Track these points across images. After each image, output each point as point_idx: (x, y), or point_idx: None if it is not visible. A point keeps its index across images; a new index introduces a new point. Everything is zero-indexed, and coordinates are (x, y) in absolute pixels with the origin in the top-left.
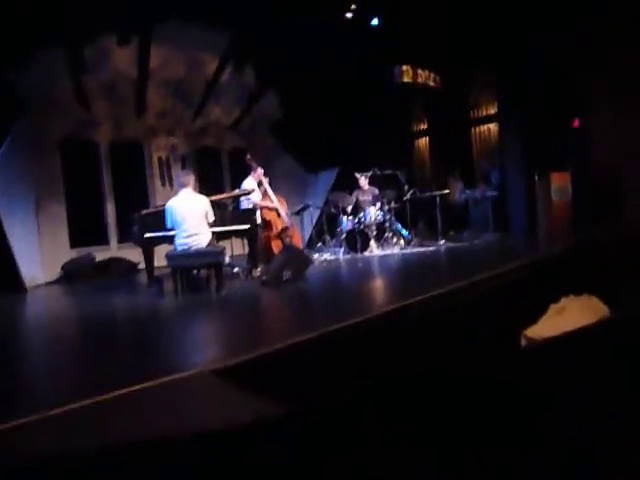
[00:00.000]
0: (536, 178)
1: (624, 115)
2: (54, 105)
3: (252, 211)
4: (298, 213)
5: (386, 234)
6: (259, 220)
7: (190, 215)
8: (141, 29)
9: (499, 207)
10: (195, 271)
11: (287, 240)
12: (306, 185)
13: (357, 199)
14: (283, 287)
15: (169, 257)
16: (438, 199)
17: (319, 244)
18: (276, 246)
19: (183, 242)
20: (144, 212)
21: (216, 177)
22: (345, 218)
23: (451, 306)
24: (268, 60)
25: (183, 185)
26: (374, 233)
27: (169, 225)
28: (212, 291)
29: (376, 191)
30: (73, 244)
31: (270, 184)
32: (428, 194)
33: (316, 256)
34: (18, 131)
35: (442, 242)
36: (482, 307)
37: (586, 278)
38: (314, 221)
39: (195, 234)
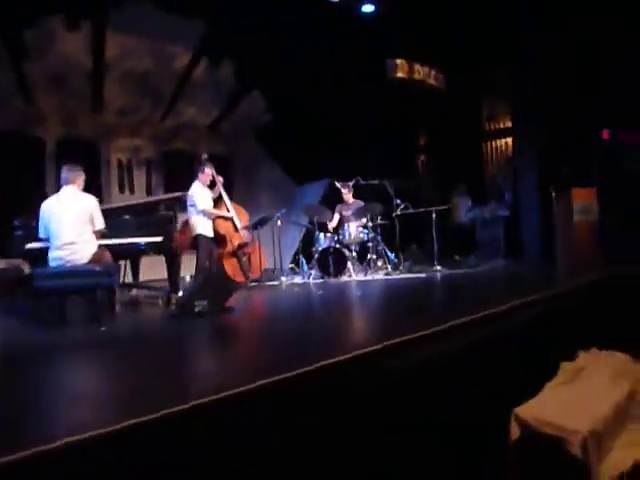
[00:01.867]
0: (554, 195)
1: None
2: None
3: (167, 218)
4: (255, 227)
5: (369, 256)
6: (209, 233)
7: (67, 219)
8: (94, 10)
9: (512, 228)
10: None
11: (244, 259)
12: (292, 197)
13: (341, 214)
14: (190, 322)
15: (35, 276)
16: (434, 216)
17: (291, 265)
18: (231, 267)
19: (56, 255)
20: None
21: (187, 184)
22: (322, 236)
23: (426, 358)
24: (248, 55)
25: (67, 182)
26: (354, 254)
27: (41, 233)
28: (96, 324)
29: (361, 204)
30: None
31: (226, 189)
32: (422, 210)
33: (283, 279)
34: None
35: (438, 268)
36: (471, 361)
37: (615, 325)
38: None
39: (71, 244)
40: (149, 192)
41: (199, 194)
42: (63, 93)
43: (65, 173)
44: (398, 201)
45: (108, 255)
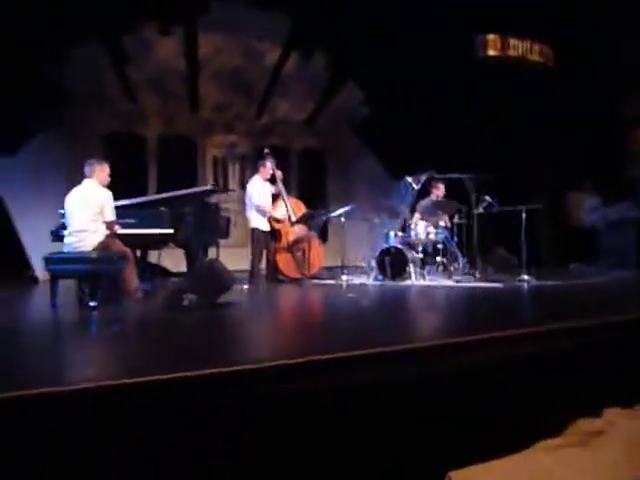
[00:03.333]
0: None
1: None
2: (99, 98)
3: (179, 213)
4: (301, 222)
5: (438, 259)
6: (263, 227)
7: (79, 208)
8: (184, 17)
9: None
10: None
11: (299, 254)
12: (390, 192)
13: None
14: (176, 314)
15: (46, 260)
16: (524, 216)
17: (360, 264)
18: (284, 262)
19: (67, 241)
20: None
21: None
22: (392, 234)
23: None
24: (340, 44)
25: (86, 175)
26: (419, 256)
27: (66, 221)
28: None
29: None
30: None
31: (319, 183)
32: (510, 208)
33: (344, 278)
34: (60, 122)
35: (525, 278)
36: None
37: None
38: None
39: (80, 232)
40: (243, 187)
41: (257, 188)
42: (162, 94)
43: (85, 167)
44: (487, 197)
45: (117, 244)
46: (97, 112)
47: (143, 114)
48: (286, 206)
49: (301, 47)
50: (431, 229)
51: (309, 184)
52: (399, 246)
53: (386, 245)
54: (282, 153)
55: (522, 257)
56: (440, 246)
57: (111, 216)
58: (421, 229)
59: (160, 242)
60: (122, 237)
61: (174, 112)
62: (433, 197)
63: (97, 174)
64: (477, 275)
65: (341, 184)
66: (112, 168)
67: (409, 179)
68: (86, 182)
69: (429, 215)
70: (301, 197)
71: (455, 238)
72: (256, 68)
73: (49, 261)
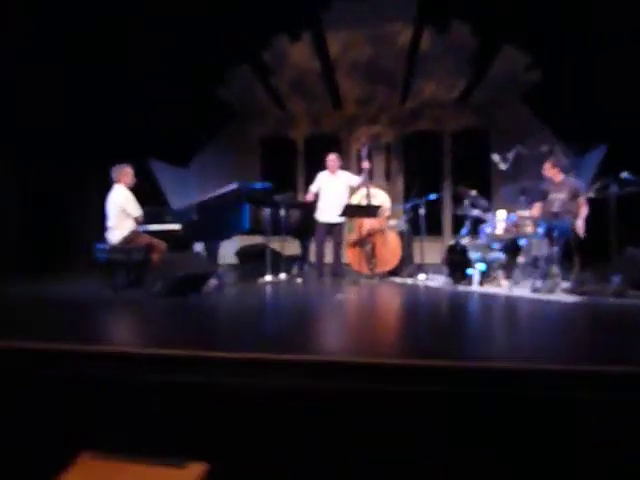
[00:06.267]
0: None
1: None
2: (255, 109)
3: (187, 209)
4: (345, 214)
5: (521, 260)
6: (320, 217)
7: (108, 210)
8: (309, 20)
9: None
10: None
11: (367, 248)
12: (572, 169)
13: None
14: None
15: (95, 249)
16: None
17: None
18: (352, 255)
19: (107, 236)
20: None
21: (433, 167)
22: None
23: None
24: (480, 4)
25: (113, 181)
26: (495, 255)
27: None
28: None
29: (577, 185)
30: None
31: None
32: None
33: (421, 277)
34: (224, 133)
35: None
36: None
37: None
38: None
39: (110, 228)
40: (388, 178)
41: (316, 179)
42: (306, 96)
43: (112, 174)
44: (625, 174)
45: (143, 238)
46: (253, 122)
47: (292, 118)
48: (368, 198)
49: (435, 19)
50: (519, 220)
51: (467, 166)
52: (465, 243)
53: (453, 241)
54: (432, 137)
55: None
56: (524, 244)
57: (135, 212)
58: (500, 221)
59: (176, 236)
60: (154, 232)
61: (319, 112)
62: (555, 179)
63: (122, 178)
64: (566, 286)
65: (511, 164)
66: (267, 170)
67: (496, 157)
68: (114, 187)
69: (512, 203)
70: (458, 182)
71: (555, 233)
72: (390, 53)
73: (96, 251)
